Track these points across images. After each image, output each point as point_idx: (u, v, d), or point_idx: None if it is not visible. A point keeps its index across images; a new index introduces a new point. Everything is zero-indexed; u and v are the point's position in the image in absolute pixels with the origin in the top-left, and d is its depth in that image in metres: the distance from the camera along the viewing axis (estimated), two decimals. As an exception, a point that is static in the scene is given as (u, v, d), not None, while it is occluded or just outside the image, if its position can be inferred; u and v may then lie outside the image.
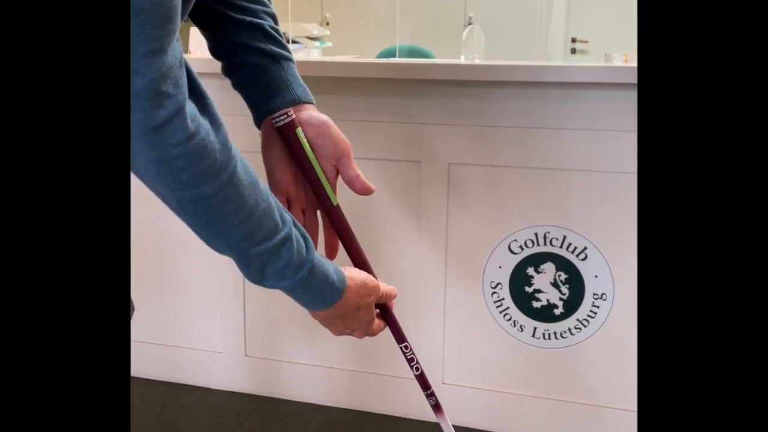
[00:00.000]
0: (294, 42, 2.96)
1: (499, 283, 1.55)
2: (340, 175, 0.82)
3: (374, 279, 0.81)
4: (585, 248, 1.49)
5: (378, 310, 0.83)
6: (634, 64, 1.62)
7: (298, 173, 0.81)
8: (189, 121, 0.56)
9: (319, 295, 0.73)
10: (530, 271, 1.54)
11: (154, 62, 0.52)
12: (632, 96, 1.39)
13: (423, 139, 1.53)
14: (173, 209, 0.62)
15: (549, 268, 1.52)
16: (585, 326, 1.53)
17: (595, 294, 1.51)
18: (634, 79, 1.34)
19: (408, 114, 1.53)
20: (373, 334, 0.83)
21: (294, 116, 0.79)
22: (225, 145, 0.61)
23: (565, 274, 1.52)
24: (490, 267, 1.55)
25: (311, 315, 0.77)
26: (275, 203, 0.67)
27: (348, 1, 4.29)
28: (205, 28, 0.86)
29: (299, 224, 0.71)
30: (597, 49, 4.48)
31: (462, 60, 1.53)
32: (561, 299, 1.53)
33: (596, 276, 1.50)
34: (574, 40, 4.55)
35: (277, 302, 1.72)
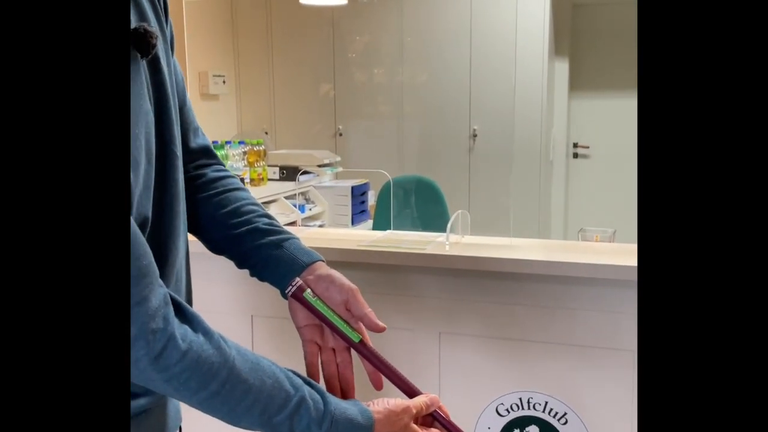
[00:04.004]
0: (306, 173, 3.19)
1: (488, 443, 1.69)
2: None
3: (402, 401, 0.90)
4: (565, 413, 1.63)
5: (435, 421, 0.94)
6: (604, 243, 1.79)
7: (320, 323, 0.97)
8: (180, 342, 0.72)
9: None
10: (516, 432, 1.67)
11: (141, 310, 0.69)
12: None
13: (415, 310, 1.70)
14: (200, 410, 0.77)
15: (533, 430, 1.66)
16: (568, 485, 1.65)
17: (576, 456, 1.64)
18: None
19: (411, 288, 1.70)
20: None
21: (300, 283, 0.95)
22: (219, 348, 0.76)
23: (548, 436, 1.65)
24: (480, 427, 1.69)
25: None
26: (283, 374, 0.82)
27: (357, 113, 4.54)
28: (216, 249, 1.03)
29: (314, 383, 0.85)
30: (597, 153, 4.69)
31: (448, 240, 1.71)
32: (545, 459, 1.66)
33: (576, 439, 1.63)
34: (575, 145, 4.76)
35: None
